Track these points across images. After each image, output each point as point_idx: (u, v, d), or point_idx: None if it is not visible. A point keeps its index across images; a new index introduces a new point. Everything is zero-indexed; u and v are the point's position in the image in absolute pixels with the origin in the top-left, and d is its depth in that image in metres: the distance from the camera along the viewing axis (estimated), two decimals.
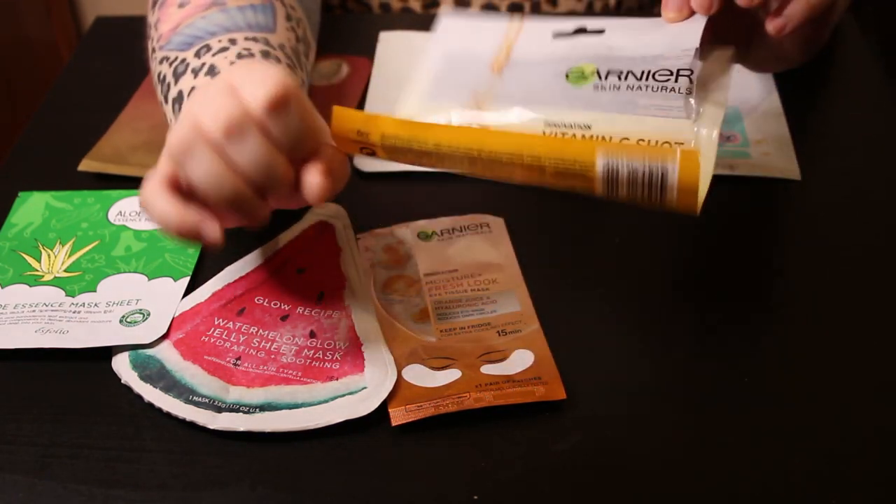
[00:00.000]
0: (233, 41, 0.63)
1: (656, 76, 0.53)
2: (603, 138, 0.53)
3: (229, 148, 0.49)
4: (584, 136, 0.53)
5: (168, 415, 0.54)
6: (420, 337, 0.58)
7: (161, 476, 0.51)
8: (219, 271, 0.63)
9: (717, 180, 0.69)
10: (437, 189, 0.69)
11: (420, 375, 0.56)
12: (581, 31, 0.57)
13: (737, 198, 0.68)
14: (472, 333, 0.58)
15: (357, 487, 0.51)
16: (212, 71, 0.62)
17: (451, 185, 0.70)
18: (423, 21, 0.89)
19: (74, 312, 0.60)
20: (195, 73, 0.62)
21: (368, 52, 0.84)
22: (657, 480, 0.51)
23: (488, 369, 0.56)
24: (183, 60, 0.64)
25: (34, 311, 0.60)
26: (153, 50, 0.69)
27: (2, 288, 0.62)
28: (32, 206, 0.69)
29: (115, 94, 0.80)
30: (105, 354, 0.57)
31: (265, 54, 0.63)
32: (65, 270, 0.63)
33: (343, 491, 0.51)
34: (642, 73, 0.54)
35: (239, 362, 0.57)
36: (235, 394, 0.55)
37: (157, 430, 0.54)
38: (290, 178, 0.50)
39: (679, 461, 0.52)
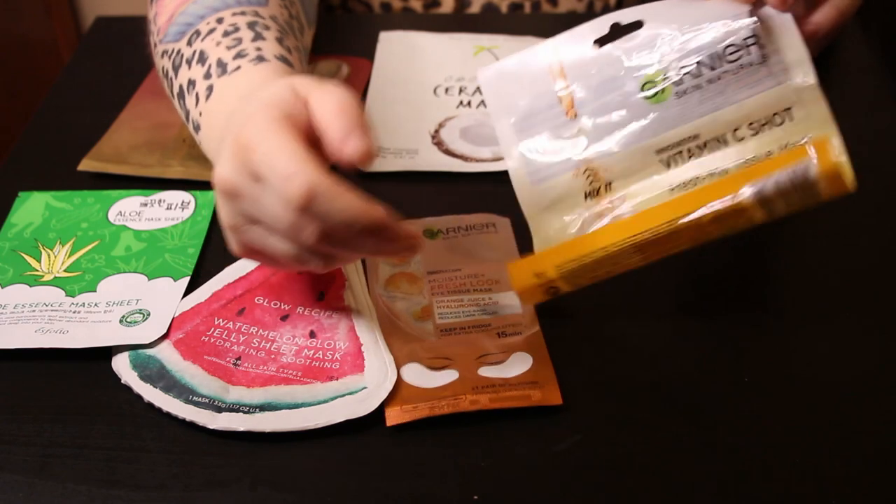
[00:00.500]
0: (220, 20, 0.63)
1: (726, 57, 0.54)
2: (738, 173, 0.53)
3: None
4: (710, 171, 0.55)
5: (168, 415, 0.54)
6: (420, 335, 0.58)
7: (161, 476, 0.51)
8: (219, 271, 0.63)
9: None
10: (444, 188, 0.69)
11: (417, 375, 0.56)
12: (615, 26, 0.56)
13: None
14: (472, 334, 0.58)
15: (357, 487, 0.51)
16: (202, 57, 0.62)
17: (457, 184, 0.70)
18: (423, 21, 0.90)
19: (74, 312, 0.60)
20: (189, 63, 0.63)
21: (369, 52, 0.84)
22: (657, 481, 0.51)
23: (486, 371, 0.56)
24: (179, 52, 0.64)
25: (34, 311, 0.60)
26: (154, 45, 0.69)
27: (2, 288, 0.62)
28: (32, 206, 0.69)
29: (115, 94, 0.80)
30: (105, 354, 0.57)
31: (252, 25, 0.62)
32: (65, 270, 0.63)
33: (343, 491, 0.51)
34: (711, 57, 0.54)
35: (239, 362, 0.57)
36: (235, 394, 0.55)
37: (157, 430, 0.54)
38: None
39: (679, 462, 0.52)
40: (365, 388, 0.54)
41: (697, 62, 0.54)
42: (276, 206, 0.49)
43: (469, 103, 0.78)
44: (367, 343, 0.57)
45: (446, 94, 0.79)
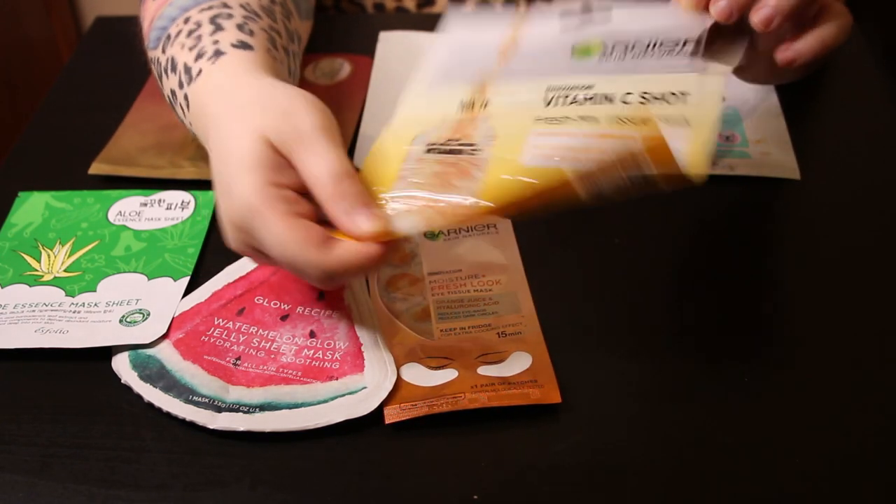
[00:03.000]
0: (186, 20, 0.63)
1: (662, 44, 0.54)
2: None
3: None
4: (580, 115, 0.53)
5: (168, 415, 0.54)
6: (420, 336, 0.58)
7: (161, 476, 0.51)
8: (219, 271, 0.63)
9: (717, 180, 0.69)
10: None
11: (417, 374, 0.56)
12: (587, 10, 0.56)
13: (737, 198, 0.68)
14: (472, 334, 0.58)
15: (357, 487, 0.51)
16: (173, 65, 0.61)
17: None
18: (418, 21, 0.90)
19: (74, 312, 0.60)
20: (167, 72, 0.63)
21: (368, 52, 0.84)
22: (657, 480, 0.51)
23: (485, 370, 0.56)
24: (158, 60, 0.64)
25: (34, 311, 0.60)
26: (145, 51, 0.69)
27: (2, 288, 0.62)
28: (32, 206, 0.69)
29: (116, 94, 0.80)
30: (105, 354, 0.57)
31: (213, 18, 0.62)
32: (65, 270, 0.63)
33: (343, 491, 0.51)
34: (649, 43, 0.54)
35: (239, 362, 0.57)
36: (235, 394, 0.55)
37: (157, 430, 0.54)
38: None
39: (679, 461, 0.52)
40: (365, 387, 0.55)
41: (635, 41, 0.54)
42: (286, 266, 0.52)
43: None
44: (367, 343, 0.57)
45: None
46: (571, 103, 0.54)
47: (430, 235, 0.65)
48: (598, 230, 0.66)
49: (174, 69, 0.61)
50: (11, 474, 0.52)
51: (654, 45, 0.54)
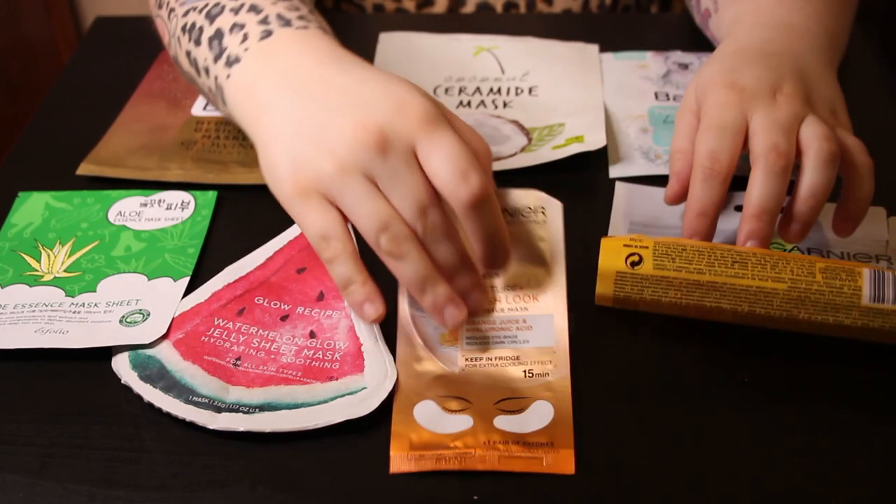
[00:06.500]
0: None
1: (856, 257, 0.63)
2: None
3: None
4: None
5: (168, 415, 0.54)
6: (443, 365, 0.56)
7: (161, 476, 0.51)
8: (219, 271, 0.63)
9: None
10: None
11: (431, 416, 0.53)
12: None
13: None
14: (499, 367, 0.56)
15: (357, 487, 0.51)
16: (255, 8, 0.64)
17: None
18: (418, 21, 0.90)
19: (74, 312, 0.60)
20: (235, 11, 0.64)
21: (368, 53, 0.84)
22: (657, 480, 0.51)
23: (502, 422, 0.53)
24: (217, 3, 0.65)
25: (34, 311, 0.60)
26: (172, 10, 0.68)
27: (2, 288, 0.62)
28: (32, 206, 0.69)
29: (115, 94, 0.80)
30: (105, 354, 0.57)
31: None
32: (64, 270, 0.63)
33: (343, 491, 0.51)
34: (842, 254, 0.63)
35: (239, 362, 0.57)
36: (235, 394, 0.55)
37: (157, 430, 0.54)
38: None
39: (679, 461, 0.52)
40: (365, 388, 0.55)
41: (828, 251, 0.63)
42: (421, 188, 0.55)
43: (469, 103, 0.78)
44: (367, 343, 0.57)
45: (446, 95, 0.79)
46: None
47: None
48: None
49: (255, 10, 0.64)
50: (11, 474, 0.52)
51: (847, 256, 0.64)
